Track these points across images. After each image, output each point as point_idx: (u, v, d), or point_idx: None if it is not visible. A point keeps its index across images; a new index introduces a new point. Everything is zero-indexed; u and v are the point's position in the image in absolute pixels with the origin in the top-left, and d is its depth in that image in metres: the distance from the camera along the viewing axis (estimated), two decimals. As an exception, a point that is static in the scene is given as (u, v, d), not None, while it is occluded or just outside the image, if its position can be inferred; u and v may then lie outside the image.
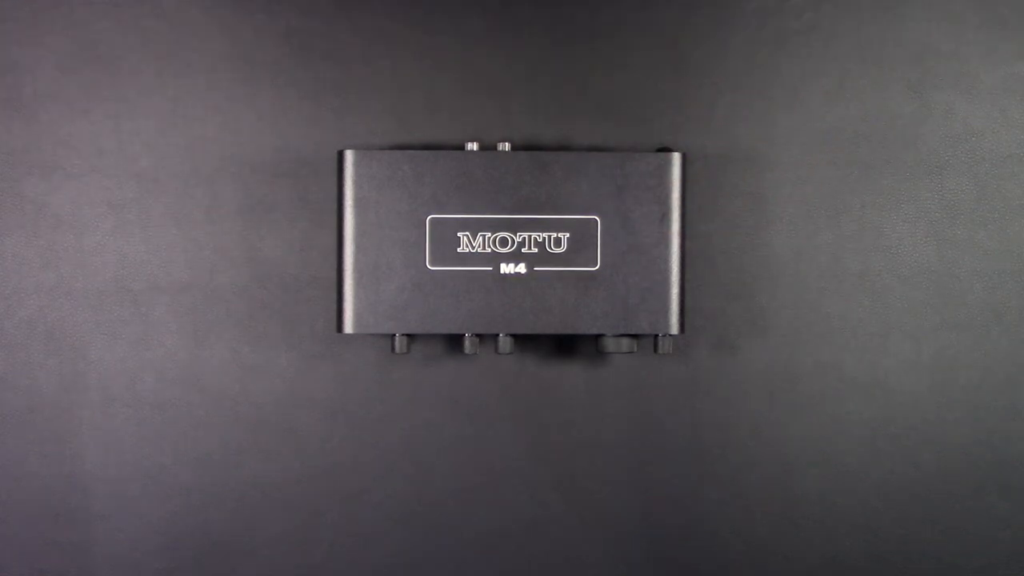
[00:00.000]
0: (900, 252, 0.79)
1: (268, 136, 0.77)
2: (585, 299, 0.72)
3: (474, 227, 0.72)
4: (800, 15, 0.79)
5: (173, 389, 0.78)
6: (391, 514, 0.79)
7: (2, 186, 0.77)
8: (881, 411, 0.79)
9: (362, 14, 0.78)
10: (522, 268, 0.72)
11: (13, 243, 0.77)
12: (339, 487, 0.78)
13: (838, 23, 0.79)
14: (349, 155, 0.72)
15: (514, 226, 0.72)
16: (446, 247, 0.72)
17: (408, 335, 0.73)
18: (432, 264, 0.72)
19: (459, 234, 0.72)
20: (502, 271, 0.72)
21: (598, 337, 0.74)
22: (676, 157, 0.73)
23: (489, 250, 0.72)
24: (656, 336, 0.73)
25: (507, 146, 0.73)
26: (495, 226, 0.72)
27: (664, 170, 0.72)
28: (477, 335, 0.73)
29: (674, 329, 0.73)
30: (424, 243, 0.72)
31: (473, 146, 0.73)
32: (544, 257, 0.72)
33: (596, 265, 0.72)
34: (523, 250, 0.72)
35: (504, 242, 0.72)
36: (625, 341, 0.73)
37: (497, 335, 0.73)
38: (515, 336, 0.74)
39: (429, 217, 0.72)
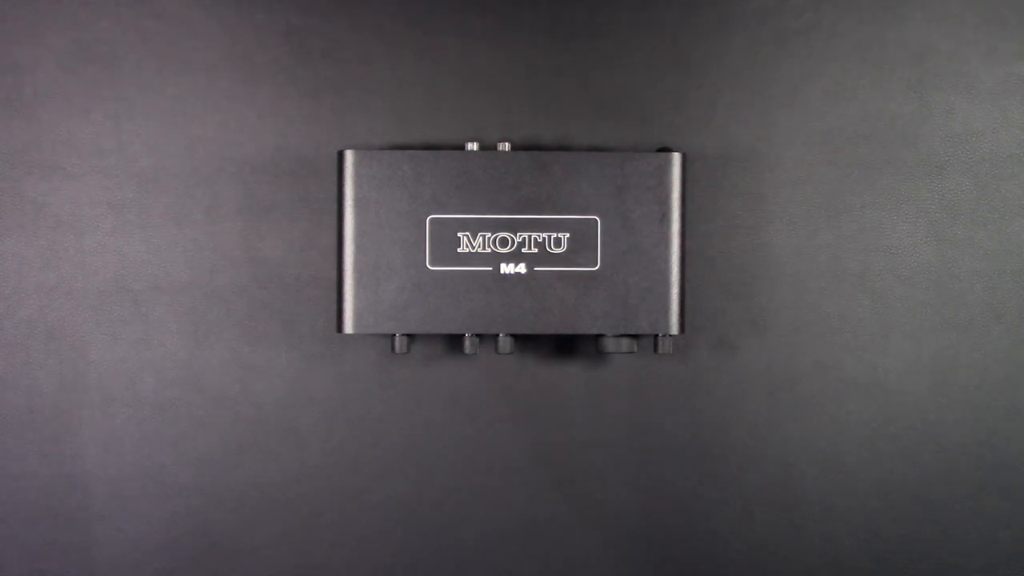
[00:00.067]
0: (900, 252, 0.79)
1: (268, 136, 0.77)
2: (585, 299, 0.72)
3: (474, 227, 0.72)
4: (800, 15, 0.79)
5: (173, 389, 0.78)
6: (391, 514, 0.79)
7: (2, 186, 0.77)
8: (881, 411, 0.79)
9: (362, 14, 0.78)
10: (522, 268, 0.72)
11: (13, 243, 0.77)
12: (339, 487, 0.78)
13: (838, 23, 0.79)
14: (349, 155, 0.72)
15: (514, 226, 0.72)
16: (446, 247, 0.72)
17: (408, 335, 0.73)
18: (432, 264, 0.72)
19: (459, 234, 0.72)
20: (502, 271, 0.72)
21: (598, 337, 0.74)
22: (676, 157, 0.73)
23: (489, 250, 0.72)
24: (656, 336, 0.73)
25: (507, 146, 0.73)
26: (495, 226, 0.72)
27: (664, 170, 0.72)
28: (477, 335, 0.73)
29: (674, 329, 0.73)
30: (424, 243, 0.72)
31: (473, 146, 0.73)
32: (544, 257, 0.72)
33: (596, 265, 0.72)
34: (523, 250, 0.72)
35: (504, 242, 0.72)
36: (625, 341, 0.73)
37: (497, 335, 0.73)
38: (515, 336, 0.74)
39: (429, 217, 0.72)
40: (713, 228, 0.78)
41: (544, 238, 0.72)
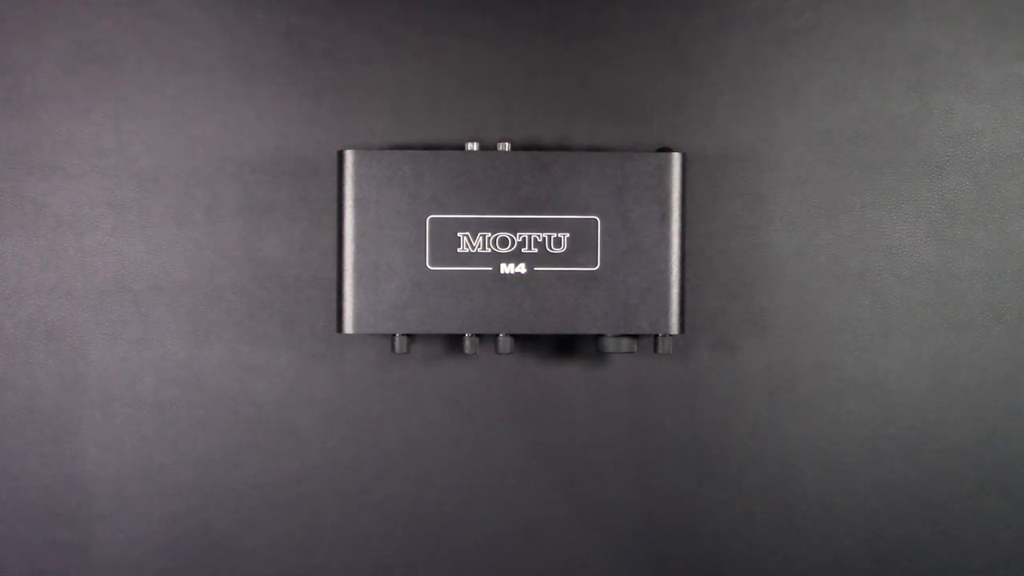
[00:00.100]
0: (900, 252, 0.79)
1: (268, 136, 0.77)
2: (585, 299, 0.72)
3: (474, 227, 0.72)
4: (800, 15, 0.79)
5: (173, 389, 0.78)
6: (391, 514, 0.79)
7: (2, 186, 0.77)
8: (881, 411, 0.79)
9: (362, 14, 0.78)
10: (522, 268, 0.72)
11: (13, 243, 0.77)
12: (339, 487, 0.78)
13: (838, 23, 0.79)
14: (349, 155, 0.72)
15: (514, 226, 0.72)
16: (446, 247, 0.72)
17: (408, 335, 0.73)
18: (432, 264, 0.72)
19: (459, 234, 0.72)
20: (502, 271, 0.72)
21: (598, 337, 0.74)
22: (676, 157, 0.73)
23: (489, 250, 0.72)
24: (656, 336, 0.73)
25: (507, 146, 0.73)
26: (495, 226, 0.72)
27: (664, 170, 0.72)
28: (477, 335, 0.73)
29: (674, 329, 0.73)
30: (424, 243, 0.72)
31: (473, 146, 0.73)
32: (544, 257, 0.72)
33: (596, 265, 0.72)
34: (523, 250, 0.72)
35: (504, 242, 0.72)
36: (625, 341, 0.73)
37: (497, 335, 0.73)
38: (515, 336, 0.74)
39: (429, 217, 0.72)
40: (713, 228, 0.78)
41: (544, 238, 0.72)
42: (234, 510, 0.78)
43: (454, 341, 0.78)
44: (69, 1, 0.77)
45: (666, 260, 0.72)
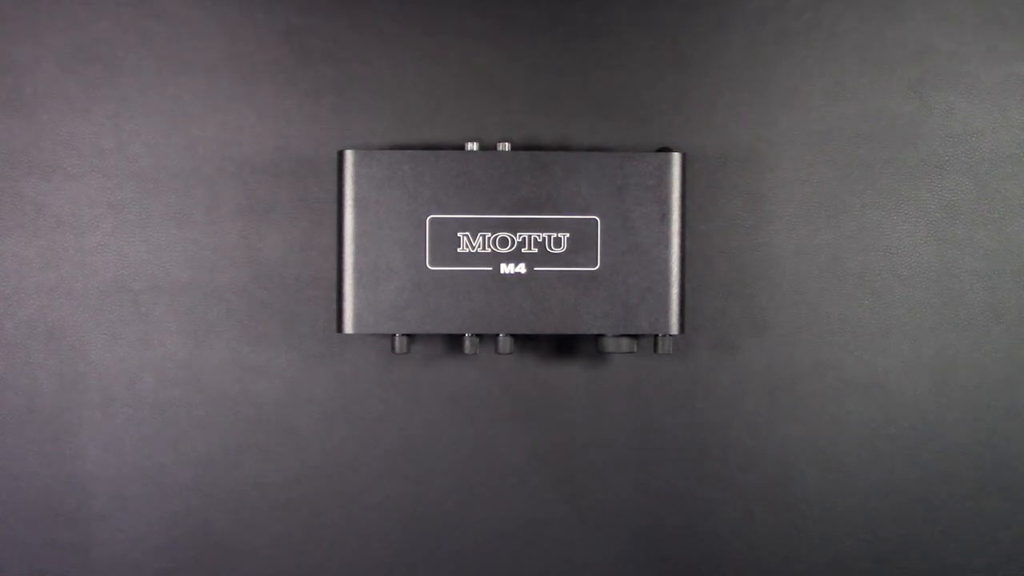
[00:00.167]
0: (900, 252, 0.79)
1: (268, 136, 0.77)
2: (585, 299, 0.72)
3: (474, 227, 0.72)
4: (800, 15, 0.79)
5: (173, 389, 0.78)
6: (391, 514, 0.79)
7: (2, 186, 0.77)
8: (881, 411, 0.79)
9: (362, 14, 0.78)
10: (522, 268, 0.72)
11: (13, 243, 0.77)
12: (339, 487, 0.78)
13: (838, 23, 0.79)
14: (349, 155, 0.72)
15: (514, 226, 0.72)
16: (446, 247, 0.72)
17: (408, 335, 0.73)
18: (432, 264, 0.72)
19: (459, 234, 0.72)
20: (502, 271, 0.72)
21: (598, 337, 0.74)
22: (676, 157, 0.73)
23: (489, 250, 0.72)
24: (656, 336, 0.73)
25: (507, 146, 0.73)
26: (495, 226, 0.72)
27: (664, 170, 0.72)
28: (477, 335, 0.73)
29: (674, 329, 0.73)
30: (424, 243, 0.72)
31: (473, 146, 0.73)
32: (544, 257, 0.72)
33: (596, 265, 0.72)
34: (523, 250, 0.72)
35: (504, 242, 0.72)
36: (625, 341, 0.73)
37: (497, 335, 0.73)
38: (515, 336, 0.74)
39: (429, 217, 0.72)
40: (713, 228, 0.78)
41: (544, 238, 0.72)
42: (234, 510, 0.78)
43: (454, 341, 0.78)
44: (69, 1, 0.77)
45: (666, 260, 0.72)
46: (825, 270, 0.79)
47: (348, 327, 0.72)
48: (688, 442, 0.79)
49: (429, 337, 0.78)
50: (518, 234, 0.72)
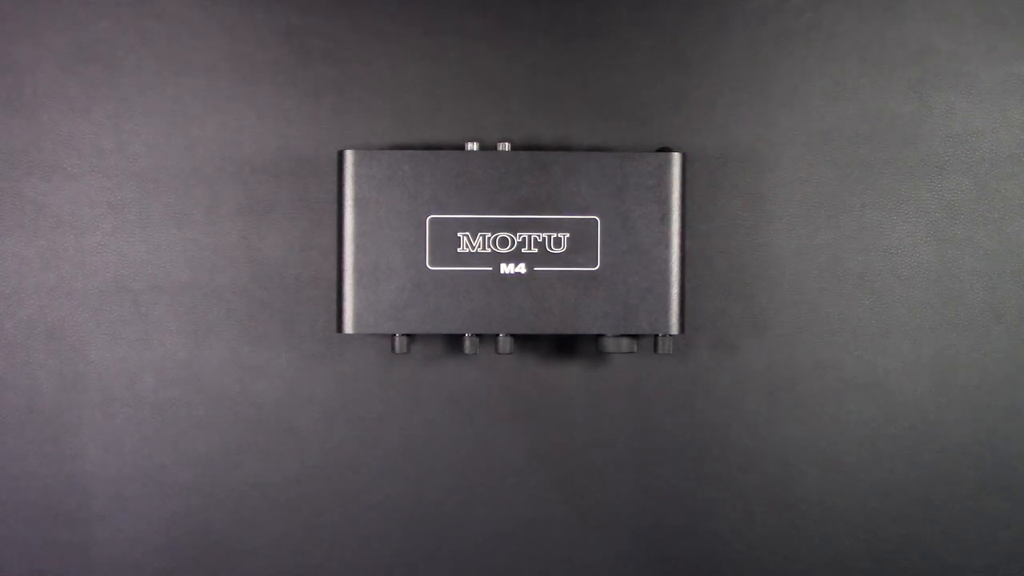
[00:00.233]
0: (900, 252, 0.79)
1: (268, 136, 0.77)
2: (585, 299, 0.72)
3: (474, 227, 0.72)
4: (800, 15, 0.79)
5: (173, 389, 0.78)
6: (391, 514, 0.79)
7: (2, 186, 0.77)
8: (881, 411, 0.79)
9: (362, 14, 0.78)
10: (522, 268, 0.72)
11: (13, 243, 0.77)
12: (339, 487, 0.78)
13: (838, 23, 0.79)
14: (349, 155, 0.72)
15: (514, 226, 0.72)
16: (446, 247, 0.72)
17: (408, 335, 0.73)
18: (432, 264, 0.72)
19: (459, 234, 0.72)
20: (502, 271, 0.72)
21: (598, 337, 0.74)
22: (676, 157, 0.73)
23: (489, 250, 0.72)
24: (656, 336, 0.73)
25: (507, 146, 0.73)
26: (495, 226, 0.72)
27: (664, 170, 0.72)
28: (477, 335, 0.73)
29: (674, 329, 0.73)
30: (424, 243, 0.72)
31: (473, 146, 0.73)
32: (544, 257, 0.72)
33: (596, 265, 0.72)
34: (523, 250, 0.72)
35: (504, 242, 0.72)
36: (625, 341, 0.73)
37: (497, 335, 0.73)
38: (515, 336, 0.74)
39: (429, 217, 0.72)
40: (713, 228, 0.78)
41: (544, 238, 0.72)
42: (234, 510, 0.78)
43: (454, 341, 0.78)
44: (69, 1, 0.77)
45: (666, 260, 0.72)
46: (825, 270, 0.79)
47: (348, 327, 0.72)
48: (688, 442, 0.79)
49: (429, 337, 0.78)
50: (518, 234, 0.72)
